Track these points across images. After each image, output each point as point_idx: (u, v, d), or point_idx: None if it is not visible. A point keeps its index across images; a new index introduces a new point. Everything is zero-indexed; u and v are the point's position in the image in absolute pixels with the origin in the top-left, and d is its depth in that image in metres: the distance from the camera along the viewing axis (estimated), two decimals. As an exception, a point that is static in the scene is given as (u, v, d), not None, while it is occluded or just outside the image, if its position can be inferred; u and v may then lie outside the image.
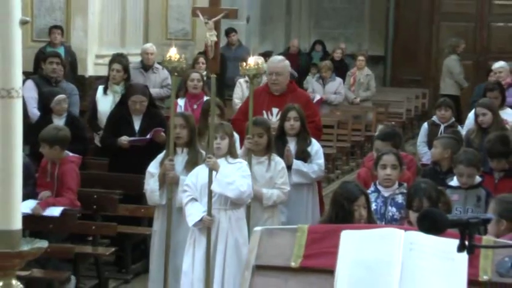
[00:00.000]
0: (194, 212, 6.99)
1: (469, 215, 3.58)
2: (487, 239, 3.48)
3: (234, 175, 7.00)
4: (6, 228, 3.06)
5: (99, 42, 15.95)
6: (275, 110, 8.94)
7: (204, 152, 7.43)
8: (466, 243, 3.19)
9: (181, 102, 10.76)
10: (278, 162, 7.73)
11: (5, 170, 3.06)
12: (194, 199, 7.05)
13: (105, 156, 10.03)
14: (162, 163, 7.46)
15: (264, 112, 8.89)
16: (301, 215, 8.08)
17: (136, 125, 9.57)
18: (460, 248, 3.20)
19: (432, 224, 3.23)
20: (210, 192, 6.90)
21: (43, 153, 8.47)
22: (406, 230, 3.41)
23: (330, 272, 3.33)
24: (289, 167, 8.05)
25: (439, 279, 3.26)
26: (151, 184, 7.50)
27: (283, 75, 9.20)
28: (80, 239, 9.01)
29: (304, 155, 8.18)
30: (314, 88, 17.05)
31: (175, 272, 7.31)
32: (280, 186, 7.63)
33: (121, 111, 9.79)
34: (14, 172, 3.07)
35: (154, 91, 12.23)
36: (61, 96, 9.97)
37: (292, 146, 8.16)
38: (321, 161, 8.44)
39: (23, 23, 3.06)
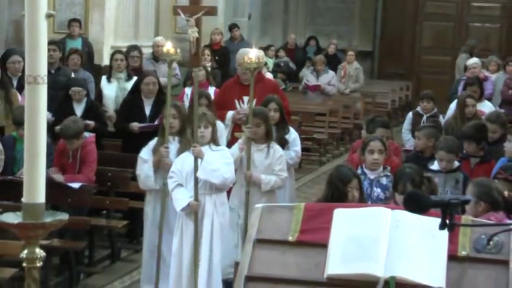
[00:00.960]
0: (181, 197, 6.82)
1: (450, 196, 3.61)
2: (466, 218, 3.49)
3: (218, 162, 6.82)
4: (31, 201, 3.08)
5: (114, 35, 15.95)
6: (246, 99, 8.67)
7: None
8: (447, 221, 3.21)
9: (188, 90, 10.78)
10: (277, 150, 7.58)
11: (31, 150, 3.08)
12: (180, 185, 6.88)
13: (118, 138, 10.03)
14: (154, 150, 7.29)
15: (236, 101, 8.81)
16: (280, 198, 7.86)
17: (147, 111, 9.55)
18: (442, 226, 3.22)
19: (417, 204, 3.24)
20: (196, 179, 6.74)
21: (70, 147, 8.43)
22: (393, 209, 3.42)
23: (323, 245, 3.34)
24: None
25: (422, 253, 3.26)
26: (145, 170, 7.32)
27: None
28: (96, 213, 9.06)
29: (282, 142, 7.97)
30: (309, 79, 17.18)
31: (166, 253, 7.20)
32: (277, 173, 7.47)
33: (133, 98, 9.80)
34: (38, 151, 3.09)
35: (163, 80, 12.20)
36: (76, 88, 9.96)
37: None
38: (298, 148, 8.29)
39: (49, 16, 3.08)
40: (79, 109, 9.73)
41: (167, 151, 7.10)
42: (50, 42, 12.00)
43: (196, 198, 6.72)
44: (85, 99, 10.04)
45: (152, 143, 7.39)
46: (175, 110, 7.42)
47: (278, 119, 8.05)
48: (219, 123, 8.12)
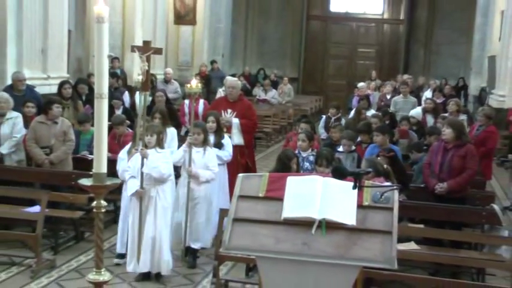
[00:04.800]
0: (131, 186, 6.08)
1: (359, 169, 3.60)
2: (368, 182, 3.48)
3: (159, 161, 6.02)
4: (99, 171, 3.04)
5: (139, 66, 15.81)
6: (229, 111, 8.24)
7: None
8: (357, 184, 3.22)
9: (187, 101, 10.67)
10: (210, 151, 6.77)
11: (98, 139, 3.06)
12: (133, 177, 6.12)
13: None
14: (128, 151, 6.43)
15: (223, 111, 8.18)
16: (217, 183, 7.20)
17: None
18: (354, 187, 3.22)
19: (340, 174, 3.24)
20: (142, 173, 6.06)
21: (117, 131, 8.26)
22: (324, 176, 3.40)
23: (281, 199, 3.32)
24: None
25: (342, 204, 3.25)
26: (122, 165, 6.39)
27: (236, 88, 8.54)
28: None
29: (219, 145, 7.27)
30: (260, 95, 17.61)
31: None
32: (211, 168, 6.68)
33: (151, 106, 9.70)
34: (103, 140, 3.07)
35: (170, 95, 12.18)
36: (115, 101, 10.14)
37: (212, 138, 7.16)
38: (230, 149, 7.40)
39: (109, 56, 3.06)
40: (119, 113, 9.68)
41: (137, 152, 6.28)
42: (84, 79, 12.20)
43: (141, 186, 6.11)
44: (121, 107, 10.02)
45: (127, 146, 6.57)
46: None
47: (216, 128, 7.34)
48: (172, 129, 7.56)
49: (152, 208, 6.08)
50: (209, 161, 6.69)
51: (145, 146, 6.09)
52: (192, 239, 6.73)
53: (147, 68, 5.88)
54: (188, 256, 6.77)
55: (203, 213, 6.71)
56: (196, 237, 6.73)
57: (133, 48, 6.14)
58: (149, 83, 6.28)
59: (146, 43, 6.23)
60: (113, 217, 8.04)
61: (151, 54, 6.03)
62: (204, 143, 6.71)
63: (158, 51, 6.33)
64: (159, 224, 6.08)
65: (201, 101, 10.72)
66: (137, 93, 11.44)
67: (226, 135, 7.54)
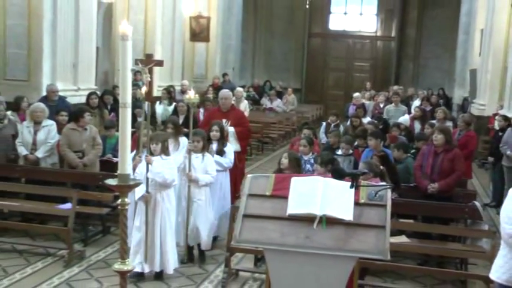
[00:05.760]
0: (139, 191, 5.68)
1: (356, 170, 3.58)
2: (364, 182, 3.45)
3: (163, 168, 5.73)
4: (123, 172, 3.00)
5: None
6: (224, 120, 7.85)
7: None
8: (355, 184, 3.20)
9: (202, 110, 10.65)
10: (209, 157, 6.46)
11: (122, 144, 3.01)
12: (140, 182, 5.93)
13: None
14: (132, 158, 5.95)
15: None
16: (217, 188, 6.90)
17: (180, 120, 9.26)
18: (351, 186, 3.21)
19: (339, 174, 3.22)
20: (147, 178, 5.74)
21: (138, 135, 8.19)
22: (325, 177, 3.39)
23: (286, 197, 3.31)
24: None
25: (340, 201, 3.24)
26: None
27: (228, 99, 8.32)
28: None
29: (221, 152, 6.95)
30: (266, 104, 17.57)
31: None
32: (209, 173, 6.37)
33: (175, 114, 9.67)
34: (126, 145, 3.02)
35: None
36: (138, 109, 9.91)
37: (214, 146, 6.93)
38: (232, 156, 7.03)
39: (132, 70, 3.03)
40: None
41: (140, 159, 5.95)
42: (110, 91, 12.13)
43: (147, 191, 5.73)
44: (143, 115, 9.99)
45: (132, 153, 6.05)
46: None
47: (219, 137, 6.96)
48: (184, 139, 7.11)
49: (158, 211, 5.80)
50: (207, 166, 6.39)
51: (151, 154, 5.85)
52: (195, 240, 6.44)
53: (149, 79, 5.46)
54: (198, 255, 6.56)
55: (203, 215, 6.41)
56: (198, 238, 6.43)
57: (136, 61, 5.85)
58: (152, 93, 5.90)
59: (148, 56, 5.91)
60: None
61: (157, 66, 5.73)
62: (203, 149, 6.39)
63: (159, 63, 5.99)
64: (164, 226, 5.82)
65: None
66: (157, 103, 11.53)
67: (228, 144, 7.24)
